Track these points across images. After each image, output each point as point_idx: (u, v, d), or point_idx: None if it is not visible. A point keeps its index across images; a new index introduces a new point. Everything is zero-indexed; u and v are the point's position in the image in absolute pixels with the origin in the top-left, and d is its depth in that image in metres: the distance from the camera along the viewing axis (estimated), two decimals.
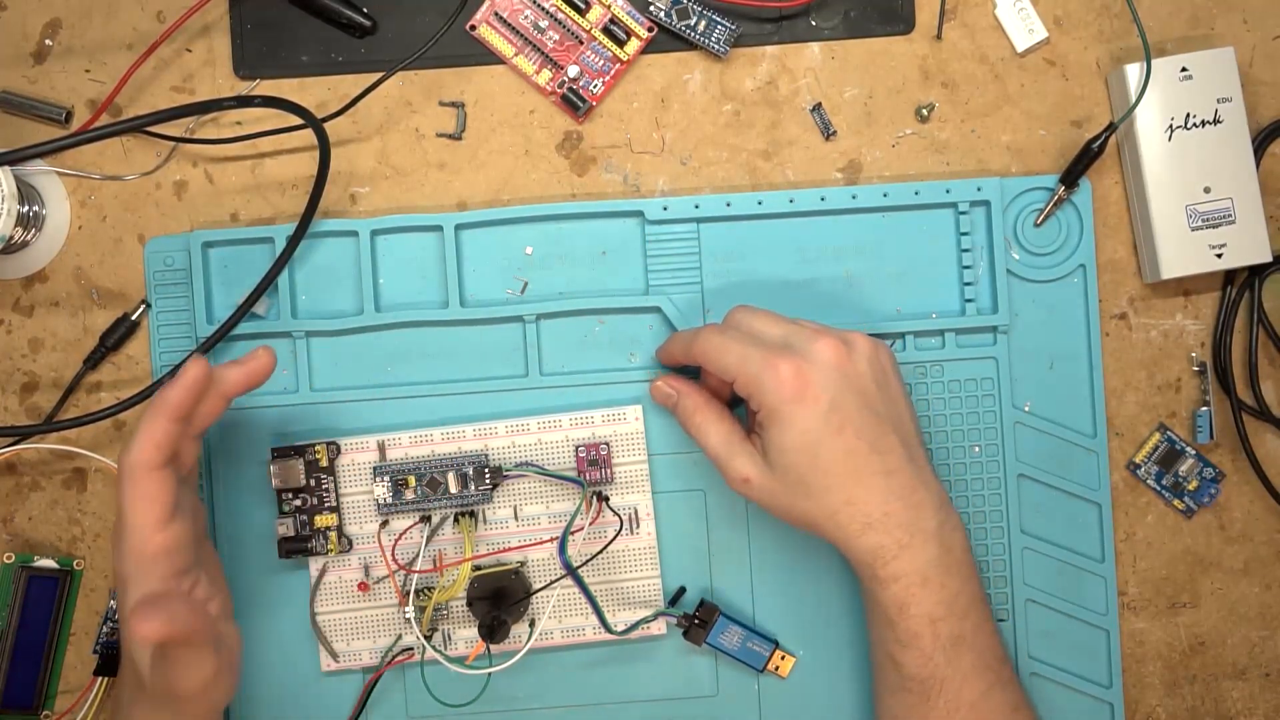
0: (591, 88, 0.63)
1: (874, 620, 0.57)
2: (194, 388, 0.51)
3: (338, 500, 0.62)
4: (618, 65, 0.63)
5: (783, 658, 0.62)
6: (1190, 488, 0.64)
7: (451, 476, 0.61)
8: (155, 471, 0.50)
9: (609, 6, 0.63)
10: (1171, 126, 0.61)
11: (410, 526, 0.61)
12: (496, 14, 0.63)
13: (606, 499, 0.62)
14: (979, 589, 0.57)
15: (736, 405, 0.61)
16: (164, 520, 0.50)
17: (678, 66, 0.64)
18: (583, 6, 0.63)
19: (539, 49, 0.63)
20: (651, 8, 0.63)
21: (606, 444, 0.61)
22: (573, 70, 0.63)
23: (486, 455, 0.62)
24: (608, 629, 0.60)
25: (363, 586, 0.62)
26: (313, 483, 0.61)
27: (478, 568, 0.62)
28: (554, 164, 0.64)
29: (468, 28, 0.63)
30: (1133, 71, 0.61)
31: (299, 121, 0.60)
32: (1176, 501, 0.64)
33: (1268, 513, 0.64)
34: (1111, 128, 0.61)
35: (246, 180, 0.64)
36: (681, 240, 0.63)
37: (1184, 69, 0.61)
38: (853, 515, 0.54)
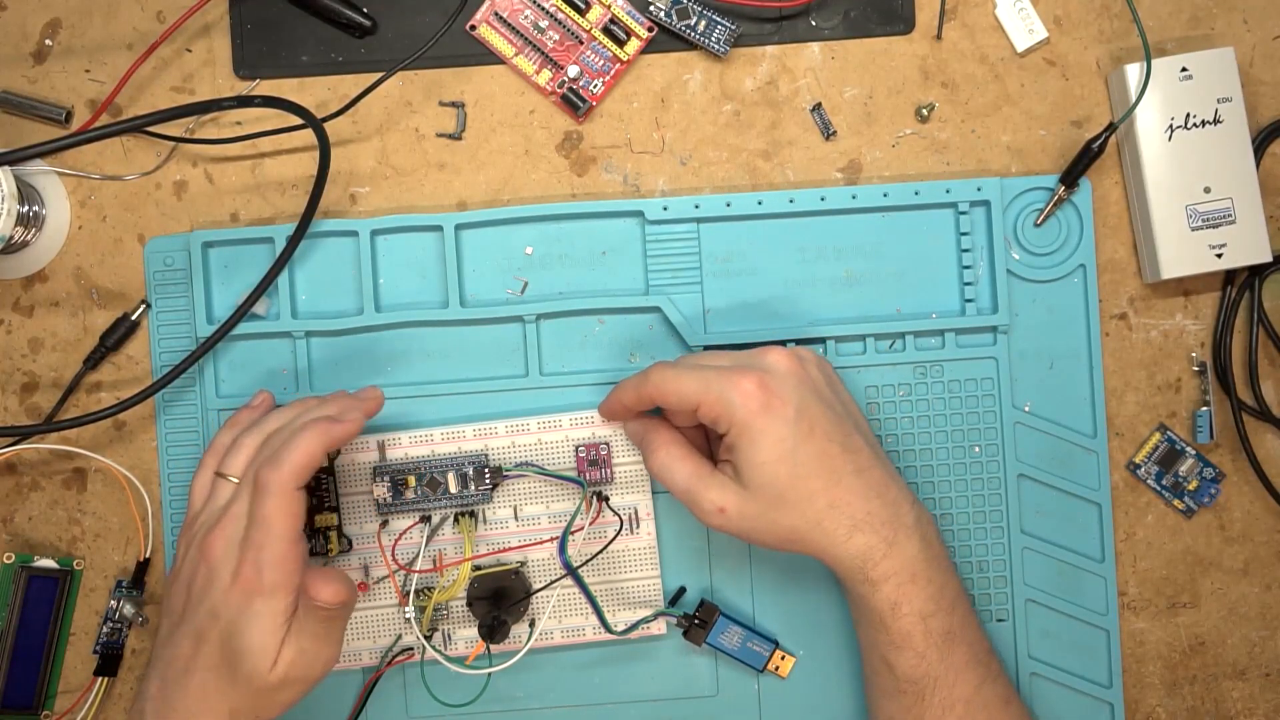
0: (591, 88, 0.63)
1: (865, 626, 0.57)
2: (357, 427, 0.55)
3: (337, 500, 0.62)
4: (618, 65, 0.63)
5: (783, 658, 0.62)
6: (1190, 488, 0.64)
7: (451, 476, 0.61)
8: (299, 491, 0.53)
9: (609, 6, 0.63)
10: (1171, 126, 0.61)
11: (410, 526, 0.61)
12: (496, 14, 0.63)
13: (606, 499, 0.62)
14: (960, 583, 0.57)
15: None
16: (300, 532, 0.53)
17: (678, 66, 0.64)
18: (583, 6, 0.63)
19: (539, 49, 0.63)
20: (651, 8, 0.63)
21: (606, 444, 0.61)
22: (573, 70, 0.63)
23: (486, 455, 0.62)
24: (608, 629, 0.60)
25: (363, 587, 0.62)
26: (312, 482, 0.61)
27: (478, 568, 0.62)
28: (554, 164, 0.64)
29: (468, 28, 0.63)
30: (1133, 71, 0.61)
31: (299, 121, 0.60)
32: (1176, 501, 0.64)
33: (1268, 513, 0.64)
34: (1111, 128, 0.61)
35: (246, 180, 0.64)
36: (681, 240, 0.63)
37: (1184, 69, 0.61)
38: (838, 519, 0.54)
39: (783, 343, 0.62)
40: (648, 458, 0.57)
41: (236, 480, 0.55)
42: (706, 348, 0.63)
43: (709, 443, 0.59)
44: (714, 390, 0.54)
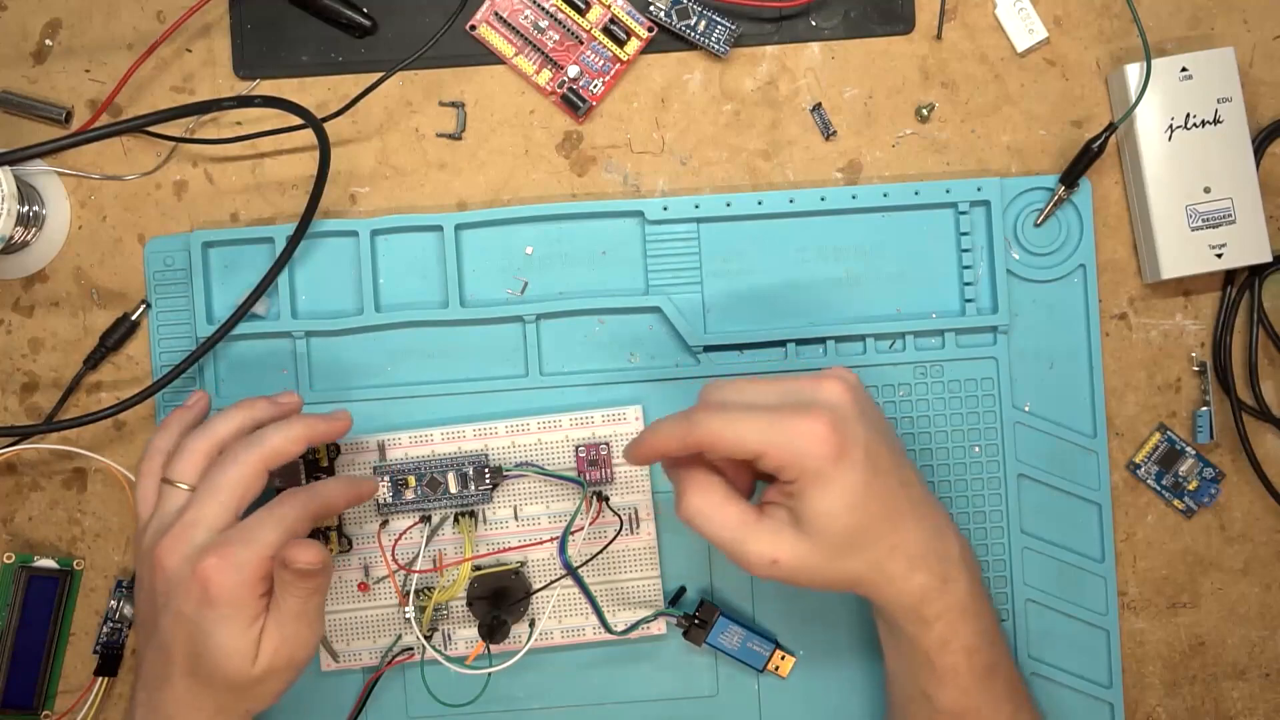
0: (591, 88, 0.63)
1: (906, 661, 0.55)
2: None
3: None
4: (618, 65, 0.63)
5: (783, 658, 0.62)
6: (1190, 488, 0.64)
7: (451, 476, 0.61)
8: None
9: (609, 6, 0.63)
10: (1171, 126, 0.61)
11: (410, 526, 0.61)
12: (496, 14, 0.63)
13: (606, 499, 0.62)
14: (997, 614, 0.56)
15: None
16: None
17: (678, 66, 0.64)
18: (583, 6, 0.63)
19: (539, 49, 0.63)
20: (651, 8, 0.63)
21: (606, 444, 0.61)
22: (573, 70, 0.63)
23: (486, 455, 0.62)
24: (608, 629, 0.60)
25: (363, 587, 0.62)
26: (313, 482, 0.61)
27: (478, 568, 0.62)
28: (554, 164, 0.64)
29: (468, 28, 0.63)
30: (1133, 71, 0.61)
31: (299, 121, 0.60)
32: (1176, 501, 0.64)
33: (1268, 513, 0.64)
34: (1111, 128, 0.61)
35: (246, 180, 0.64)
36: (681, 240, 0.63)
37: (1184, 69, 0.61)
38: (898, 560, 0.52)
39: (782, 344, 0.62)
40: (679, 502, 0.52)
41: (186, 487, 0.54)
42: (707, 348, 0.63)
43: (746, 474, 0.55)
44: (780, 440, 0.49)
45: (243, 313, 0.61)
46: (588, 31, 0.63)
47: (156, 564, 0.52)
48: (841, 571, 0.51)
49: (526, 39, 0.63)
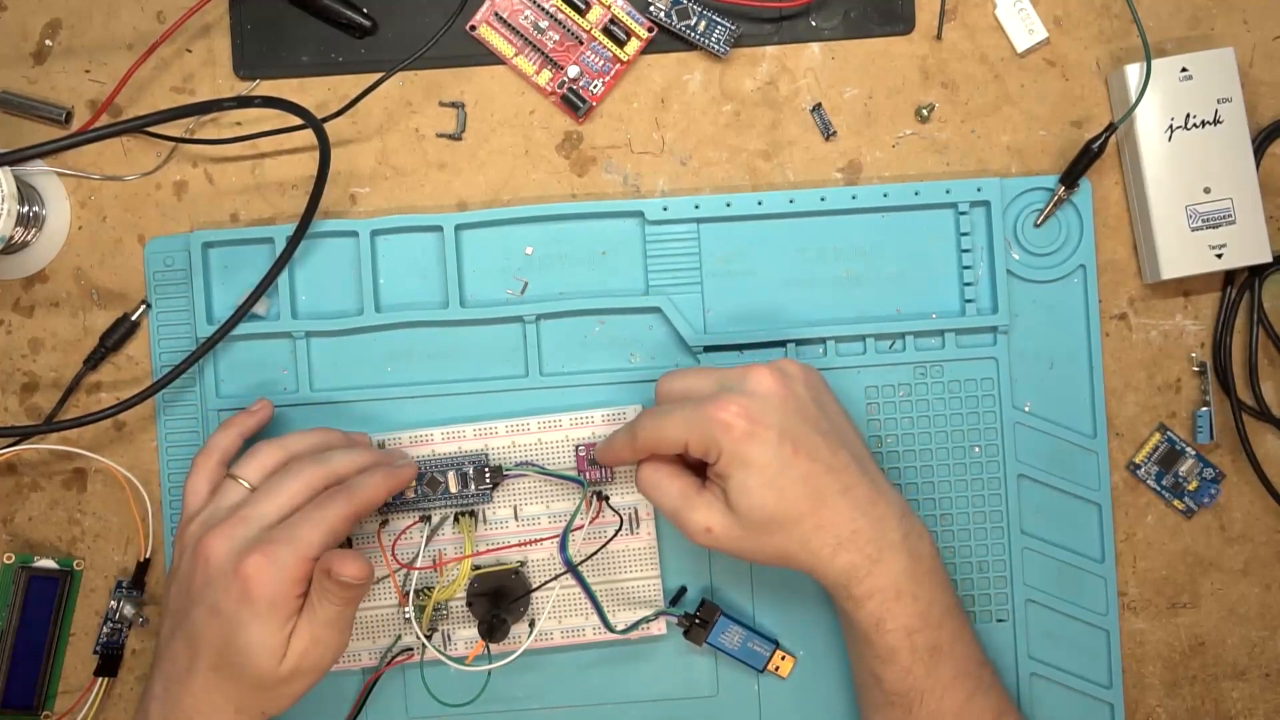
0: (591, 88, 0.63)
1: (852, 640, 0.57)
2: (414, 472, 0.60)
3: None
4: (618, 65, 0.63)
5: (783, 658, 0.62)
6: (1190, 488, 0.64)
7: (451, 476, 0.61)
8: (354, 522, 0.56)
9: (609, 6, 0.63)
10: (1171, 127, 0.61)
11: (410, 526, 0.61)
12: (496, 14, 0.63)
13: (606, 498, 0.62)
14: (952, 596, 0.57)
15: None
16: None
17: (678, 66, 0.64)
18: (583, 6, 0.63)
19: (539, 49, 0.63)
20: (651, 8, 0.63)
21: None
22: (573, 70, 0.63)
23: (486, 455, 0.62)
24: (608, 627, 0.60)
25: None
26: None
27: (477, 567, 0.62)
28: (554, 164, 0.64)
29: (468, 28, 0.63)
30: (1133, 72, 0.61)
31: (299, 121, 0.60)
32: (1176, 502, 0.64)
33: (1268, 513, 0.64)
34: (1111, 128, 0.61)
35: (246, 180, 0.64)
36: (681, 240, 0.63)
37: (1184, 69, 0.61)
38: (823, 539, 0.54)
39: (782, 344, 0.62)
40: (636, 475, 0.57)
41: (248, 485, 0.56)
42: (706, 348, 0.63)
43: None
44: (697, 428, 0.53)
45: (243, 313, 0.61)
46: (588, 32, 0.63)
47: (201, 554, 0.53)
48: (767, 545, 0.54)
49: (526, 39, 0.63)
